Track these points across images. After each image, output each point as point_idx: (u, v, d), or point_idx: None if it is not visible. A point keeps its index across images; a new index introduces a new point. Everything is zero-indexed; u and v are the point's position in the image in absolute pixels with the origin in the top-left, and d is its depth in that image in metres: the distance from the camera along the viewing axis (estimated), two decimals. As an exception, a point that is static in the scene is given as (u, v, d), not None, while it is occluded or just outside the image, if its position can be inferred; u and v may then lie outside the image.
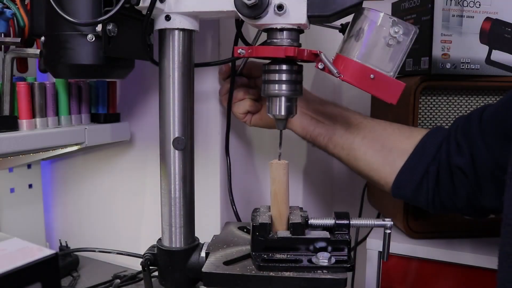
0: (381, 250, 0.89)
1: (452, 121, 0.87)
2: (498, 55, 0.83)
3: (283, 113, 0.67)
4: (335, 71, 0.62)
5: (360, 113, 0.84)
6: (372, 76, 0.63)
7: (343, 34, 0.67)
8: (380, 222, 0.67)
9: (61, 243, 1.04)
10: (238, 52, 0.66)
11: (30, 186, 1.04)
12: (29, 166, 1.03)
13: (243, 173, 1.02)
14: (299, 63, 0.68)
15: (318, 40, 1.06)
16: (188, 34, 0.69)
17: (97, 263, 1.04)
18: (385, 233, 0.67)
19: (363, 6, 0.63)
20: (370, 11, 0.63)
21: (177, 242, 0.72)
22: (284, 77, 0.66)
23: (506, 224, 0.58)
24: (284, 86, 0.66)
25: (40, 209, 1.06)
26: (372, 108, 1.05)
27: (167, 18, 0.67)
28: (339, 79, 0.63)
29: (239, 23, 0.79)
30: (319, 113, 0.83)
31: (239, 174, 1.01)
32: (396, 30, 0.62)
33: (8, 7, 0.79)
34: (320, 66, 0.64)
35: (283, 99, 0.67)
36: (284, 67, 0.66)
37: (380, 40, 0.63)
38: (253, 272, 0.64)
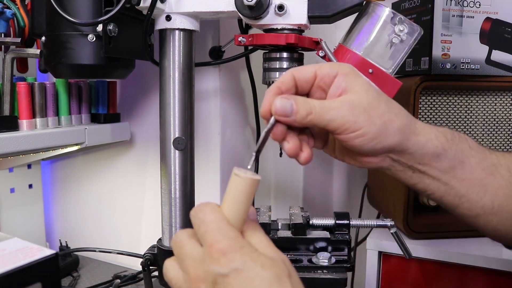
0: (381, 250, 0.89)
1: (452, 121, 0.87)
2: (498, 55, 0.83)
3: None
4: (335, 61, 0.62)
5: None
6: (370, 70, 0.63)
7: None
8: (380, 222, 0.67)
9: (61, 243, 1.04)
10: (239, 40, 0.66)
11: (30, 186, 1.04)
12: (29, 166, 1.03)
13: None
14: (300, 51, 0.68)
15: (316, 33, 1.06)
16: (188, 34, 0.69)
17: (97, 263, 1.04)
18: (392, 233, 0.66)
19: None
20: (377, 5, 0.63)
21: (177, 242, 0.72)
22: (285, 64, 0.66)
23: None
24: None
25: (40, 209, 1.06)
26: (372, 108, 1.05)
27: (168, 18, 0.67)
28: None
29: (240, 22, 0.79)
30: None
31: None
32: (401, 29, 0.62)
33: (8, 7, 0.78)
34: (321, 54, 0.65)
35: None
36: (285, 54, 0.66)
37: (384, 37, 0.63)
38: (254, 272, 0.64)
